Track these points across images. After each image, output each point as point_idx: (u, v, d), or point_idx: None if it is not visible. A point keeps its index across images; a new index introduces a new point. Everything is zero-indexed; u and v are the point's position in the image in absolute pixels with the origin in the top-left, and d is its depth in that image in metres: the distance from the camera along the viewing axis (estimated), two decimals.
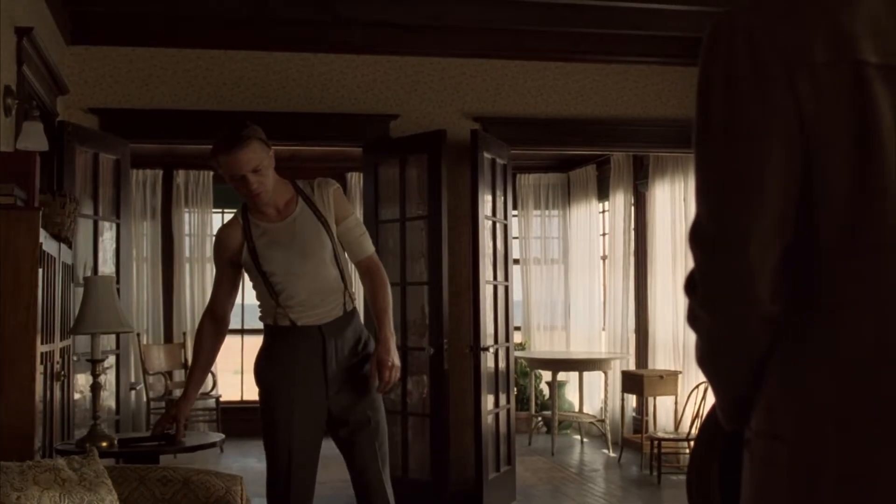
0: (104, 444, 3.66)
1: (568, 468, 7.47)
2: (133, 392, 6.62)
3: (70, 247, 4.16)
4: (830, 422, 1.26)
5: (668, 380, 7.14)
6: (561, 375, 8.46)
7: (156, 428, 3.71)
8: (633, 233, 8.45)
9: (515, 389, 7.77)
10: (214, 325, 3.53)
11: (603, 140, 6.53)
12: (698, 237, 1.32)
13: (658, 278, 7.92)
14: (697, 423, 6.29)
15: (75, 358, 4.49)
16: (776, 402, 1.32)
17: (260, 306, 3.49)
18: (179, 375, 8.38)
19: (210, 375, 7.64)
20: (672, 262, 7.59)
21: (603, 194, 9.09)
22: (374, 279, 3.51)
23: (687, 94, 6.34)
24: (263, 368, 3.46)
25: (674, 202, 7.61)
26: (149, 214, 8.90)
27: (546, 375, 8.78)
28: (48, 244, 3.41)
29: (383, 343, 3.41)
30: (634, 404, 8.22)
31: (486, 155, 5.92)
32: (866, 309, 1.26)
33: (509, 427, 6.14)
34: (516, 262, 9.29)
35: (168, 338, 8.85)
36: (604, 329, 9.05)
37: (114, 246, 5.71)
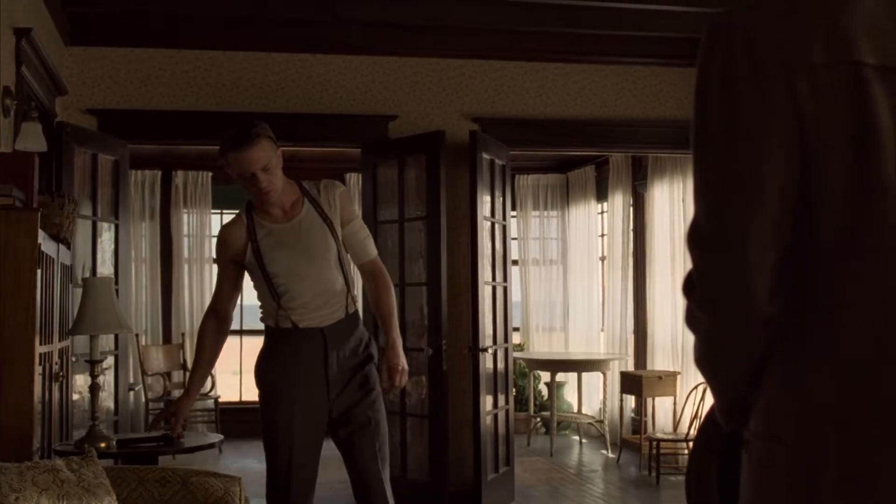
0: (103, 444, 3.65)
1: (567, 469, 7.47)
2: (132, 393, 6.62)
3: (69, 248, 4.16)
4: (830, 422, 1.25)
5: (666, 380, 7.14)
6: (560, 376, 8.46)
7: (154, 422, 3.71)
8: (631, 234, 8.45)
9: (514, 390, 7.77)
10: (217, 324, 3.51)
11: (602, 141, 6.53)
12: (697, 238, 1.32)
13: (657, 279, 7.92)
14: (696, 424, 6.30)
15: (74, 359, 4.49)
16: (775, 403, 1.32)
17: (261, 307, 3.48)
18: (178, 376, 8.38)
19: (209, 376, 7.64)
20: (671, 262, 7.59)
21: (602, 195, 9.09)
22: (378, 282, 3.51)
23: (685, 94, 6.34)
24: (264, 370, 3.45)
25: (672, 203, 7.62)
26: (147, 215, 8.89)
27: (545, 376, 8.78)
28: (47, 245, 3.41)
29: (392, 347, 3.42)
30: (633, 405, 8.22)
31: (485, 156, 5.92)
32: (865, 309, 1.26)
33: (508, 428, 6.14)
34: (515, 262, 9.30)
35: (167, 339, 8.85)
36: (602, 330, 9.05)
37: (112, 247, 5.71)
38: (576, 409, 8.98)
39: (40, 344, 3.26)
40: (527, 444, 8.32)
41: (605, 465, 7.59)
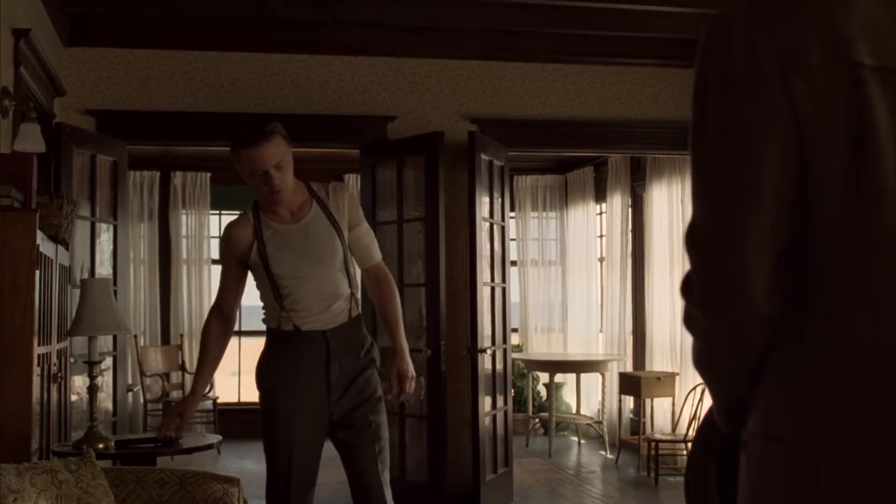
0: (101, 445, 3.66)
1: (565, 470, 7.47)
2: (130, 394, 6.62)
3: (67, 248, 4.16)
4: (828, 422, 1.25)
5: (665, 381, 7.14)
6: (558, 377, 8.46)
7: (161, 428, 3.69)
8: (630, 234, 8.45)
9: (513, 391, 7.77)
10: (221, 324, 3.49)
11: (600, 142, 6.53)
12: (694, 239, 1.32)
13: (655, 280, 7.92)
14: (695, 425, 6.30)
15: (72, 360, 4.49)
16: (773, 404, 1.32)
17: (264, 308, 3.47)
18: (177, 377, 8.38)
19: None
20: (669, 263, 7.59)
21: (600, 196, 9.09)
22: (383, 287, 3.50)
23: (684, 95, 6.34)
24: (265, 372, 3.43)
25: (671, 204, 7.62)
26: (146, 216, 8.89)
27: (543, 377, 8.78)
28: (45, 246, 3.40)
29: (401, 354, 3.43)
30: (632, 406, 8.23)
31: (484, 156, 5.93)
32: (863, 310, 1.26)
33: (507, 429, 6.14)
34: (513, 263, 9.29)
35: (165, 339, 8.84)
36: (601, 331, 9.05)
37: (111, 247, 5.71)
38: (574, 410, 8.98)
39: (39, 345, 3.26)
40: (525, 444, 8.32)
41: (603, 466, 7.59)
